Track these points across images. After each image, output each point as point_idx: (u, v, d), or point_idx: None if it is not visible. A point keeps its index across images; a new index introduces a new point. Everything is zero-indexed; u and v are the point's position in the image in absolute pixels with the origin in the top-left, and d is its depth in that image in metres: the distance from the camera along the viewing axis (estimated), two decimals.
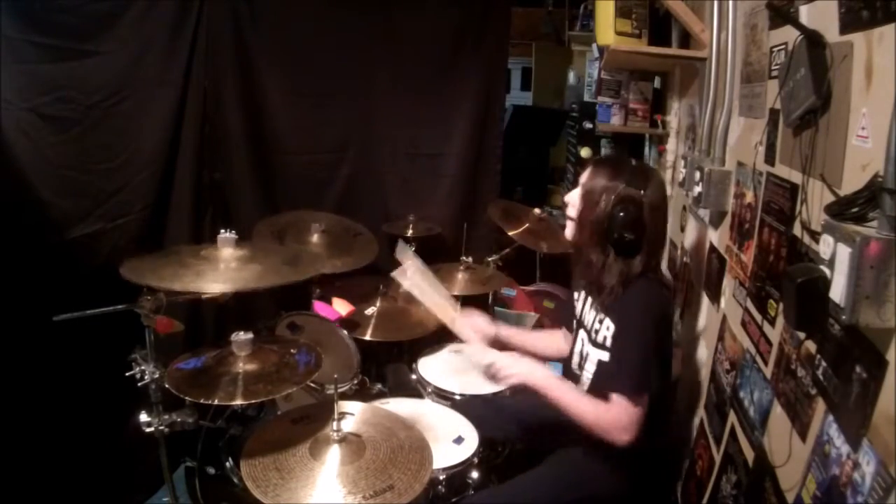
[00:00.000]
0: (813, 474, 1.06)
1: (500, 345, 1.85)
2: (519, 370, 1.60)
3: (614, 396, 1.49)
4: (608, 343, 1.57)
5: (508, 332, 1.94)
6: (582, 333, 1.69)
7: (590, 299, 1.67)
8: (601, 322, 1.59)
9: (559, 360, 2.42)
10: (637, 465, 1.59)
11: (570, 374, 1.74)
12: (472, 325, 1.83)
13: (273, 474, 1.30)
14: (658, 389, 1.52)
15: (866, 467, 0.91)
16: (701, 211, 2.05)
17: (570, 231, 1.66)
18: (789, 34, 1.31)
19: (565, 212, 1.67)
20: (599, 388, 1.59)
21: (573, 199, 1.63)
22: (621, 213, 1.50)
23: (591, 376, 1.63)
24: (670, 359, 1.63)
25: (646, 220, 1.52)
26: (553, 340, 1.99)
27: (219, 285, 1.54)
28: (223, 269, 1.61)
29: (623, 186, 1.52)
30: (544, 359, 1.99)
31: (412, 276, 1.85)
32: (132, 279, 1.47)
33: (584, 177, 1.62)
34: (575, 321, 1.75)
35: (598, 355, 1.60)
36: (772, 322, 1.36)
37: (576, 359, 1.70)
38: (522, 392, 1.58)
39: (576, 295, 1.78)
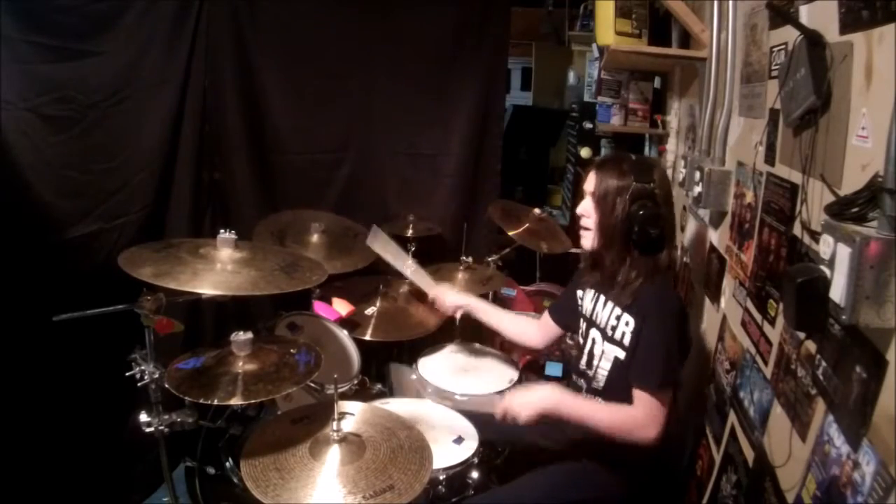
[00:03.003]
0: (813, 474, 1.06)
1: (468, 317, 2.03)
2: (530, 400, 1.57)
3: (637, 393, 1.49)
4: (626, 340, 1.56)
5: (478, 305, 2.01)
6: (594, 332, 1.67)
7: (602, 297, 1.66)
8: (619, 318, 1.58)
9: (559, 361, 2.45)
10: (637, 466, 1.59)
11: (578, 373, 1.73)
12: (444, 294, 2.02)
13: (273, 474, 1.30)
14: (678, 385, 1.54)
15: (866, 467, 0.91)
16: (701, 211, 2.05)
17: (588, 241, 1.64)
18: (789, 34, 1.31)
19: (580, 224, 1.65)
20: (615, 386, 1.60)
21: (587, 210, 1.62)
22: (640, 211, 1.50)
23: (605, 373, 1.63)
24: (686, 355, 1.62)
25: (663, 211, 1.52)
26: (522, 326, 2.01)
27: (213, 289, 1.52)
28: (219, 271, 1.60)
29: (634, 183, 1.51)
30: (510, 342, 2.09)
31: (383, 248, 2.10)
32: (128, 270, 1.47)
33: (591, 183, 1.60)
34: (583, 321, 1.74)
35: (614, 352, 1.60)
36: (772, 322, 1.36)
37: (585, 358, 1.70)
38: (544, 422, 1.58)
39: (580, 293, 1.78)
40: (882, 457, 0.88)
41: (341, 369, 2.03)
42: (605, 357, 1.62)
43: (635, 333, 1.54)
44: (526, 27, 4.78)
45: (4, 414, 1.78)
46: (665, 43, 2.36)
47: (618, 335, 1.58)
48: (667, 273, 1.58)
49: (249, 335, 1.56)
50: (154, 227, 2.35)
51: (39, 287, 1.83)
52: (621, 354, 1.58)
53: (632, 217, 1.50)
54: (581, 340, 1.74)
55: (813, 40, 1.16)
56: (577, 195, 1.72)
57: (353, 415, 1.51)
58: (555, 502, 1.59)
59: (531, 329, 1.98)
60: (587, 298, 1.74)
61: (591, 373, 1.67)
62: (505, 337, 2.07)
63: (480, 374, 2.14)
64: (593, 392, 1.67)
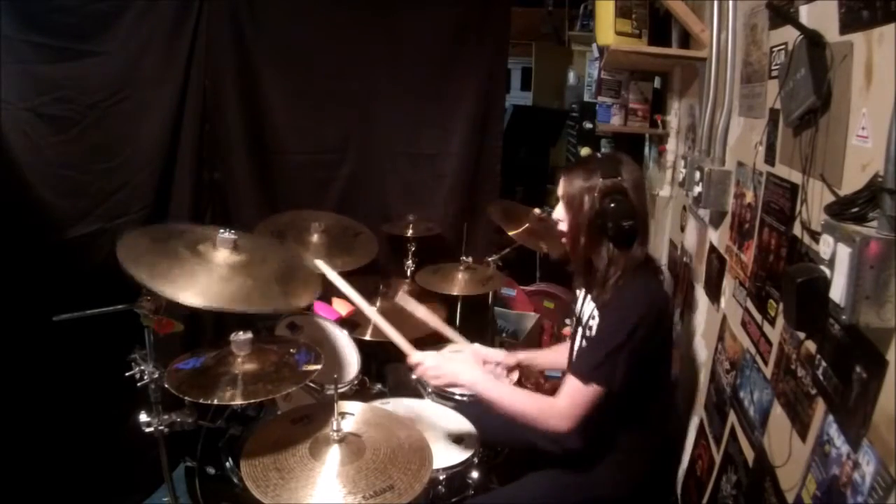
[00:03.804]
0: (813, 474, 1.06)
1: (522, 369, 1.95)
2: (445, 373, 1.57)
3: (568, 379, 1.46)
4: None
5: (525, 356, 1.97)
6: (581, 331, 1.67)
7: (589, 297, 1.65)
8: (594, 318, 1.57)
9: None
10: (637, 466, 1.59)
11: (564, 373, 1.73)
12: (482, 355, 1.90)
13: (273, 474, 1.30)
14: (642, 389, 1.48)
15: (866, 467, 0.91)
16: (701, 211, 2.05)
17: (567, 245, 1.63)
18: (789, 34, 1.31)
19: (557, 230, 1.63)
20: None
21: (559, 215, 1.60)
22: (611, 205, 1.48)
23: None
24: (668, 357, 1.61)
25: (634, 203, 1.51)
26: (562, 353, 1.93)
27: (201, 298, 1.47)
28: (213, 273, 1.58)
29: (601, 179, 1.50)
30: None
31: None
32: (124, 260, 1.47)
33: (560, 188, 1.60)
34: (575, 320, 1.74)
35: None
36: (772, 322, 1.36)
37: (574, 356, 1.69)
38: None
39: (578, 293, 1.78)
40: (882, 457, 0.88)
41: (341, 369, 2.03)
42: None
43: (597, 326, 1.52)
44: (526, 27, 4.77)
45: (4, 414, 1.78)
46: (665, 43, 2.36)
47: (593, 333, 1.56)
48: (647, 269, 1.55)
49: (249, 335, 1.56)
50: None
51: (39, 287, 1.83)
52: None
53: (604, 212, 1.49)
54: (573, 340, 1.74)
55: (813, 40, 1.16)
56: None
57: (353, 415, 1.51)
58: (555, 503, 1.59)
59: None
60: (580, 299, 1.73)
61: None
62: (557, 368, 2.03)
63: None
64: None
